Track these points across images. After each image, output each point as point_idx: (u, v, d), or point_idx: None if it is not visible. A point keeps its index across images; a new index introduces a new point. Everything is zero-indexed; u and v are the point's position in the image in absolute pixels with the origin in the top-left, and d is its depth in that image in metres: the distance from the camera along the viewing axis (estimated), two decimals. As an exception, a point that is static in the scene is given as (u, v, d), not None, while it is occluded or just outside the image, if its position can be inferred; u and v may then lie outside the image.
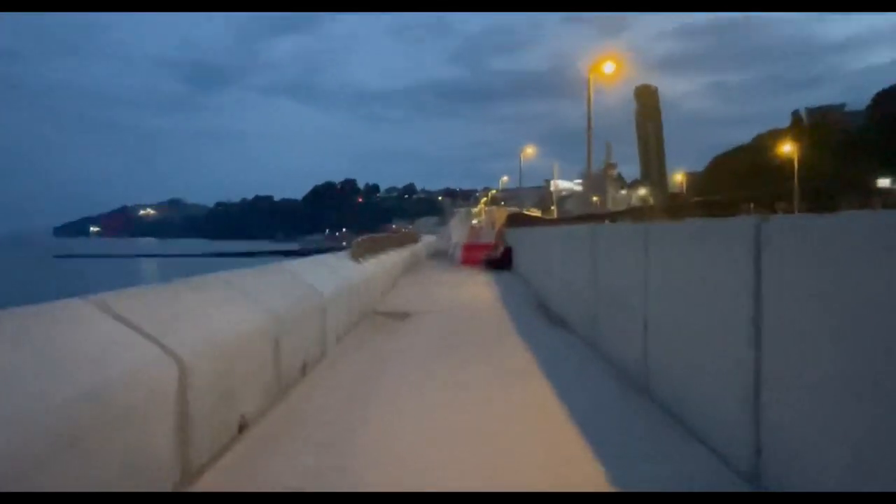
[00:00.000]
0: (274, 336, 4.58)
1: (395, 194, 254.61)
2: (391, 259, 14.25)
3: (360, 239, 11.79)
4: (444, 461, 3.40)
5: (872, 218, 2.29)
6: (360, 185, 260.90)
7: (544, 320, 8.79)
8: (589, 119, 23.35)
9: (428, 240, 32.83)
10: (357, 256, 10.17)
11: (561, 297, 9.01)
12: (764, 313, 2.86)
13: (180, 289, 3.93)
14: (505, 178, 75.05)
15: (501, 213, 30.02)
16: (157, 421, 2.77)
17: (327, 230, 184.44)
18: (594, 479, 3.11)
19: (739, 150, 68.05)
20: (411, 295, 12.20)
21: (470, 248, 23.45)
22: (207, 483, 3.10)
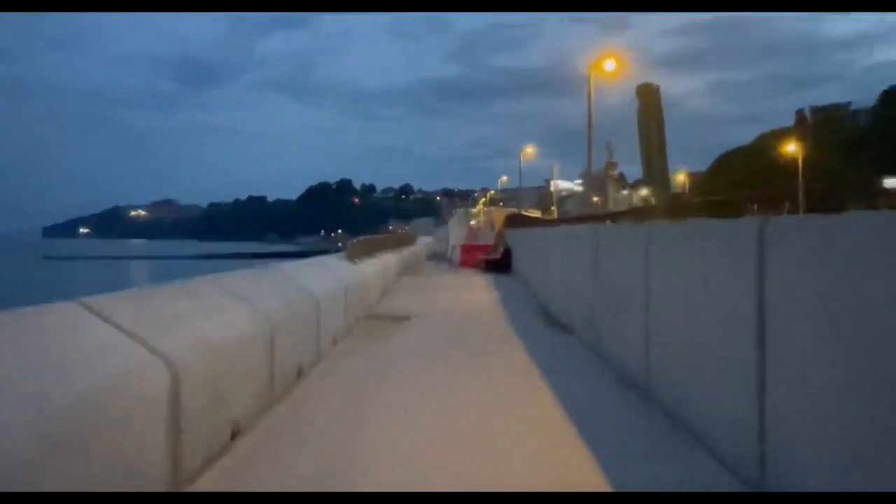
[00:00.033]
0: (268, 339, 4.58)
1: (391, 195, 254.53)
2: (388, 261, 14.25)
3: (355, 240, 11.79)
4: (444, 469, 3.40)
5: (876, 218, 2.30)
6: (356, 185, 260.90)
7: (544, 323, 8.79)
8: (589, 118, 23.39)
9: (425, 241, 32.84)
10: (353, 258, 10.17)
11: (561, 299, 9.01)
12: (767, 315, 2.87)
13: (172, 291, 3.93)
14: (504, 178, 75.13)
15: (500, 214, 30.01)
16: (148, 427, 2.76)
17: (322, 231, 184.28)
18: (595, 483, 3.12)
19: (743, 150, 68.09)
20: (408, 298, 12.20)
21: (468, 250, 23.47)
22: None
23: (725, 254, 3.39)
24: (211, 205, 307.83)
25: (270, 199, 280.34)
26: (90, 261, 76.86)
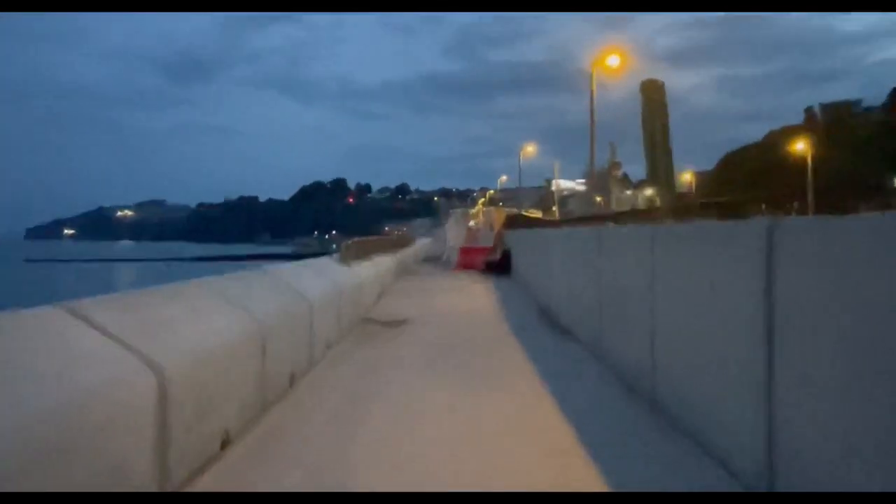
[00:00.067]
0: (259, 345, 4.56)
1: (387, 194, 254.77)
2: (383, 263, 14.24)
3: (350, 242, 11.78)
4: (441, 484, 3.39)
5: (887, 219, 2.30)
6: (351, 184, 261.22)
7: (546, 327, 8.79)
8: (592, 115, 23.42)
9: (422, 243, 32.84)
10: (347, 260, 10.16)
11: (563, 302, 9.02)
12: (776, 320, 2.86)
13: (159, 295, 3.91)
14: (504, 178, 75.27)
15: (500, 215, 30.05)
16: (134, 437, 2.75)
17: (316, 232, 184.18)
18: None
19: (751, 148, 68.25)
20: (405, 301, 12.19)
21: (467, 252, 23.46)
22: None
23: (733, 256, 3.39)
24: (200, 205, 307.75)
25: (262, 199, 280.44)
26: (75, 263, 76.67)
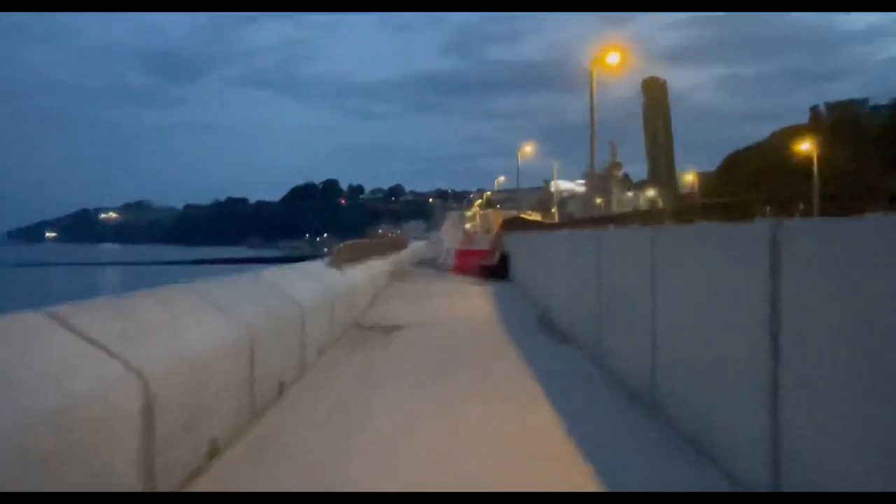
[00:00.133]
0: (248, 352, 4.56)
1: (381, 196, 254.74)
2: (376, 267, 14.24)
3: (342, 245, 11.78)
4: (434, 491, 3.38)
5: (889, 221, 2.31)
6: (343, 185, 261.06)
7: (544, 333, 8.79)
8: (592, 114, 23.45)
9: (417, 246, 32.83)
10: (340, 264, 10.15)
11: (562, 307, 9.02)
12: (782, 323, 2.87)
13: (145, 300, 3.91)
14: (501, 179, 75.28)
15: (497, 217, 30.07)
16: (119, 447, 2.74)
17: (307, 235, 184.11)
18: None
19: (754, 149, 68.49)
20: (399, 306, 12.19)
21: (463, 255, 23.47)
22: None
23: (737, 258, 3.40)
24: (188, 207, 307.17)
25: (252, 200, 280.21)
26: (65, 267, 76.76)
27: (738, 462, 3.30)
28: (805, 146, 50.27)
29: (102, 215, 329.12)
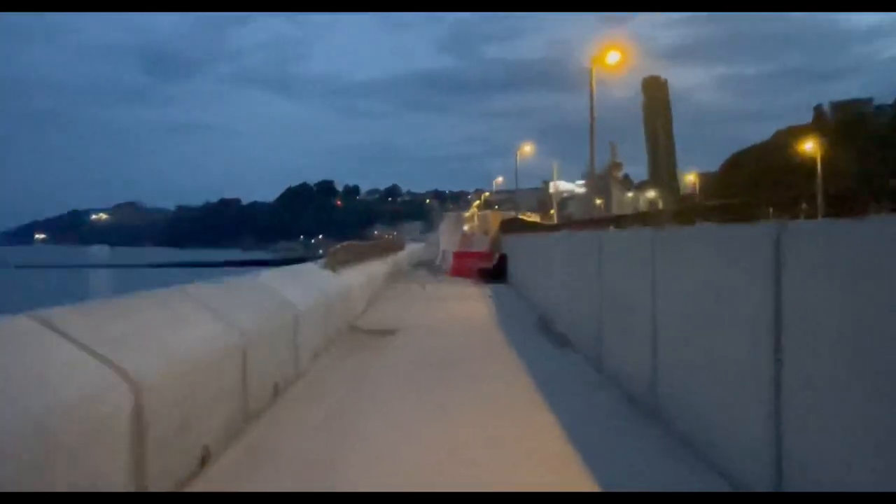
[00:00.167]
0: (241, 355, 4.55)
1: (377, 196, 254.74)
2: (372, 269, 14.23)
3: (338, 247, 11.77)
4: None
5: (891, 222, 2.32)
6: (339, 186, 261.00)
7: (544, 337, 8.80)
8: (592, 114, 23.49)
9: (413, 248, 32.83)
10: (334, 266, 10.15)
11: (562, 310, 9.03)
12: (784, 327, 2.87)
13: (136, 303, 3.90)
14: (500, 179, 75.20)
15: (496, 218, 30.12)
16: (109, 453, 2.73)
17: (302, 237, 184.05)
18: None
19: (757, 149, 68.71)
20: (395, 309, 12.18)
21: (461, 257, 23.47)
22: None
23: (739, 260, 3.41)
24: (179, 208, 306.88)
25: (245, 201, 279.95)
26: (56, 270, 77.07)
27: (740, 466, 3.30)
28: (809, 146, 50.42)
29: (93, 216, 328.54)
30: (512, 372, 6.51)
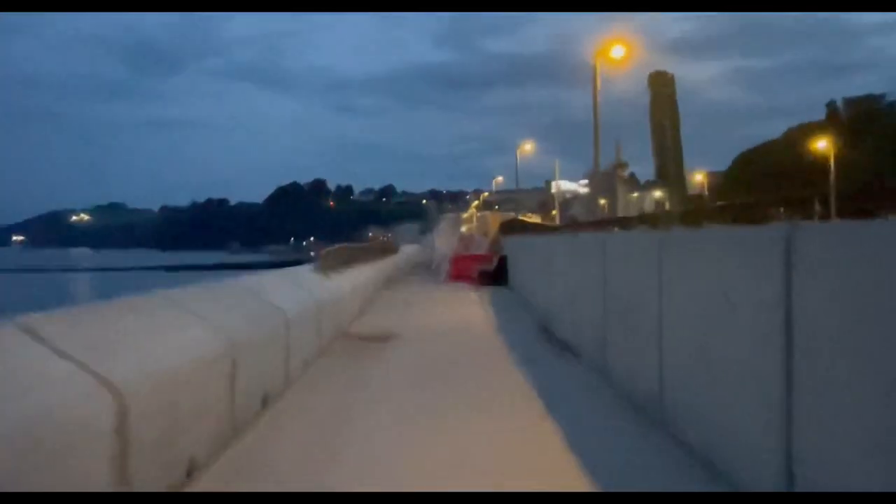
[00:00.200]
0: (229, 363, 4.55)
1: (371, 197, 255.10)
2: (367, 273, 14.23)
3: (330, 249, 11.77)
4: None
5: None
6: (331, 186, 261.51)
7: (546, 344, 8.80)
8: (595, 110, 23.50)
9: (409, 250, 32.83)
10: (326, 270, 10.14)
11: (565, 316, 9.03)
12: (796, 332, 2.88)
13: (119, 309, 3.90)
14: (499, 179, 75.16)
15: (495, 219, 30.12)
16: (90, 464, 2.73)
17: (293, 239, 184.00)
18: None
19: (768, 147, 68.74)
20: (390, 314, 12.19)
21: (459, 261, 23.44)
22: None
23: (749, 263, 3.41)
24: (164, 208, 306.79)
25: (233, 202, 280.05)
26: (43, 273, 77.06)
27: (749, 474, 3.31)
28: (822, 144, 50.48)
29: (73, 217, 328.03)
30: (513, 380, 6.53)
